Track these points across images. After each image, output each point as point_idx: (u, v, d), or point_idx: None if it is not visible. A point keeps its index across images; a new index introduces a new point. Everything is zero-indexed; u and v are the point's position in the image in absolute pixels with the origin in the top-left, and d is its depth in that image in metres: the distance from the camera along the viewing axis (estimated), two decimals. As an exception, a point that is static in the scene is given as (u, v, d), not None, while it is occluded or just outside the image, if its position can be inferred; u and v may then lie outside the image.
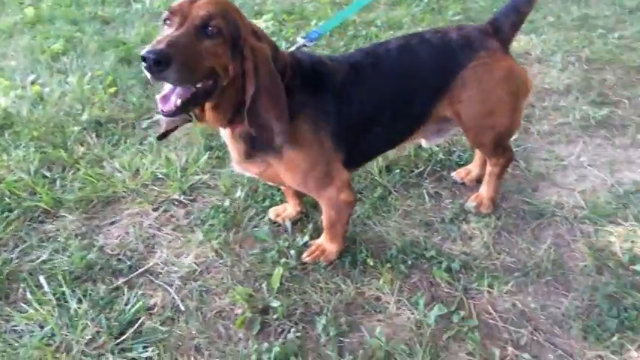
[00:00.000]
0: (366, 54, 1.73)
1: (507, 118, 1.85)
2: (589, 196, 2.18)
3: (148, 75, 1.24)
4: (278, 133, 1.41)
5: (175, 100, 1.32)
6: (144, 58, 1.20)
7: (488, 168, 2.05)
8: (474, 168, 2.25)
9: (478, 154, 2.22)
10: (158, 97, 1.37)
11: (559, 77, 3.06)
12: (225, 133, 1.61)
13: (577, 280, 1.81)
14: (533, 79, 3.06)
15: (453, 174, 2.28)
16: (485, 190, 2.09)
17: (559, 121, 2.68)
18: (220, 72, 1.35)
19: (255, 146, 1.58)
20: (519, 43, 3.47)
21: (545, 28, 3.73)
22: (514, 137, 2.52)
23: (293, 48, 1.66)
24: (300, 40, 1.70)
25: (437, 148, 2.41)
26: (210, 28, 1.31)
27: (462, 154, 2.40)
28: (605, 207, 2.10)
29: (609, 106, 2.78)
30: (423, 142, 2.01)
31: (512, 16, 1.81)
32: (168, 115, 1.33)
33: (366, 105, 1.68)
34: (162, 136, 1.60)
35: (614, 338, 1.59)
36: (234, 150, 1.63)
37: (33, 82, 2.97)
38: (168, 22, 1.33)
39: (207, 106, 1.46)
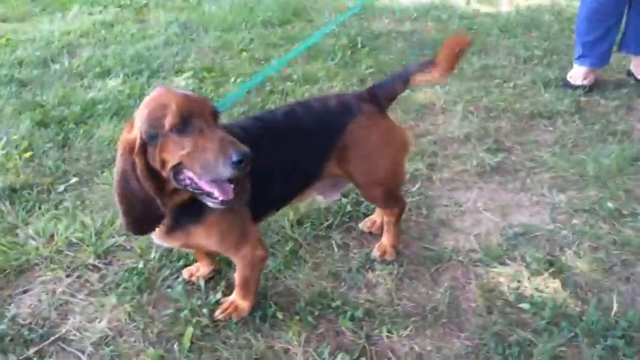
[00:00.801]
0: (254, 120, 1.90)
1: (392, 173, 2.06)
2: (483, 239, 2.39)
3: (235, 173, 1.39)
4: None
5: (231, 188, 1.50)
6: (241, 161, 1.37)
7: (385, 218, 2.22)
8: (377, 217, 2.41)
9: (378, 204, 2.39)
10: (215, 192, 1.48)
11: (459, 126, 3.32)
12: None
13: (469, 320, 1.98)
14: (438, 129, 3.33)
15: (360, 224, 2.44)
16: (386, 239, 2.25)
17: (459, 168, 2.92)
18: None
19: (179, 220, 1.67)
20: (425, 94, 3.75)
21: (450, 79, 4.03)
22: (417, 185, 2.73)
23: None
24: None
25: (345, 200, 2.57)
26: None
27: (369, 205, 2.56)
28: (496, 249, 2.31)
29: (503, 153, 3.05)
30: (321, 199, 2.16)
31: (388, 91, 2.06)
32: (230, 203, 1.50)
33: (258, 165, 1.81)
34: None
35: (498, 374, 1.76)
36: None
37: (-56, 150, 2.94)
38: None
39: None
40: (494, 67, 4.26)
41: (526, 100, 3.66)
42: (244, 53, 4.43)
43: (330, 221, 2.46)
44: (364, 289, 2.12)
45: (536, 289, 2.09)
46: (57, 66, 4.10)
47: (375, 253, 2.26)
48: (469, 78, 4.05)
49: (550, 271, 2.17)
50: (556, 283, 2.12)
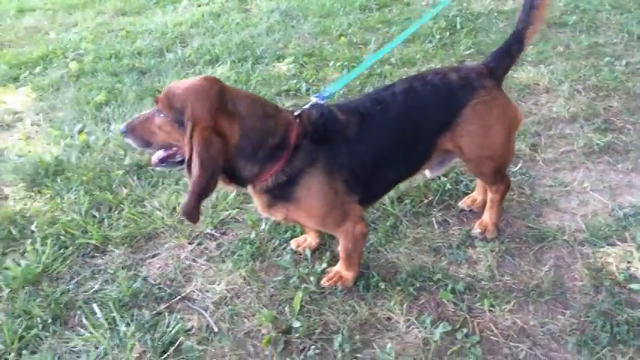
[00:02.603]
0: (374, 101, 1.90)
1: (504, 148, 2.04)
2: (590, 219, 2.34)
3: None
4: (188, 197, 1.61)
5: (155, 158, 1.79)
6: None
7: (489, 195, 2.23)
8: (477, 195, 2.43)
9: (479, 181, 2.40)
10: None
11: (565, 106, 3.21)
12: (249, 190, 1.84)
13: (575, 298, 1.97)
14: (541, 109, 3.24)
15: (460, 203, 2.47)
16: (488, 217, 2.27)
17: (564, 148, 2.84)
18: (176, 143, 1.71)
19: (276, 198, 1.80)
20: (528, 74, 3.65)
21: (554, 58, 3.89)
22: (519, 165, 2.70)
23: (307, 106, 1.88)
24: (314, 99, 1.92)
25: (445, 179, 2.60)
26: (158, 110, 1.68)
27: (469, 183, 2.58)
28: (604, 230, 2.25)
29: (613, 133, 2.93)
30: (427, 173, 2.21)
31: (505, 60, 2.03)
32: (154, 166, 1.81)
33: (378, 150, 1.89)
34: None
35: (606, 351, 1.75)
36: (257, 202, 1.87)
37: (80, 131, 3.30)
38: None
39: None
40: (604, 44, 4.05)
41: (639, 79, 3.46)
42: (343, 38, 4.52)
43: (429, 199, 2.51)
44: (465, 265, 2.16)
45: (648, 271, 2.03)
46: (171, 55, 4.42)
47: (476, 230, 2.28)
48: (576, 57, 3.88)
49: (664, 252, 2.09)
50: (670, 265, 2.04)
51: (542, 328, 1.87)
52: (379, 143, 1.89)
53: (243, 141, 1.66)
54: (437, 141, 1.97)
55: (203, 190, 1.59)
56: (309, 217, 1.86)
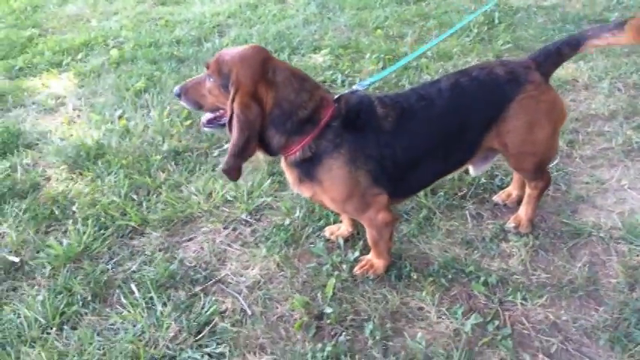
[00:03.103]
0: (419, 97, 1.89)
1: (548, 145, 2.02)
2: (627, 217, 2.30)
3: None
4: (227, 156, 1.74)
5: (204, 119, 1.91)
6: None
7: (528, 190, 2.21)
8: (513, 190, 2.41)
9: (516, 177, 2.38)
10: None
11: (605, 103, 3.16)
12: (282, 163, 1.90)
13: (609, 295, 1.95)
14: (579, 106, 3.19)
15: (495, 197, 2.46)
16: (524, 212, 2.25)
17: (602, 146, 2.80)
18: (223, 106, 1.80)
19: (304, 174, 1.85)
20: (567, 70, 3.59)
21: (594, 55, 3.81)
22: (556, 162, 2.67)
23: (348, 91, 1.91)
24: (355, 87, 1.96)
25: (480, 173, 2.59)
26: (208, 75, 1.79)
27: (503, 177, 2.57)
28: (641, 228, 2.22)
29: (654, 131, 2.87)
30: (471, 171, 2.19)
31: (554, 57, 1.98)
32: (202, 126, 1.93)
33: (417, 147, 1.89)
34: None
35: (639, 348, 1.73)
36: (288, 175, 1.92)
37: (120, 117, 3.40)
38: None
39: None
40: (647, 41, 3.94)
41: (683, 77, 3.37)
42: (379, 31, 4.51)
43: (463, 192, 2.51)
44: (497, 258, 2.16)
45: (687, 271, 1.99)
46: (209, 44, 4.50)
47: (510, 224, 2.27)
48: (617, 54, 3.79)
49: None
50: None
51: (575, 324, 1.86)
52: (418, 140, 1.88)
53: (275, 109, 1.73)
54: (482, 138, 1.95)
55: (239, 152, 1.71)
56: (329, 200, 1.89)
